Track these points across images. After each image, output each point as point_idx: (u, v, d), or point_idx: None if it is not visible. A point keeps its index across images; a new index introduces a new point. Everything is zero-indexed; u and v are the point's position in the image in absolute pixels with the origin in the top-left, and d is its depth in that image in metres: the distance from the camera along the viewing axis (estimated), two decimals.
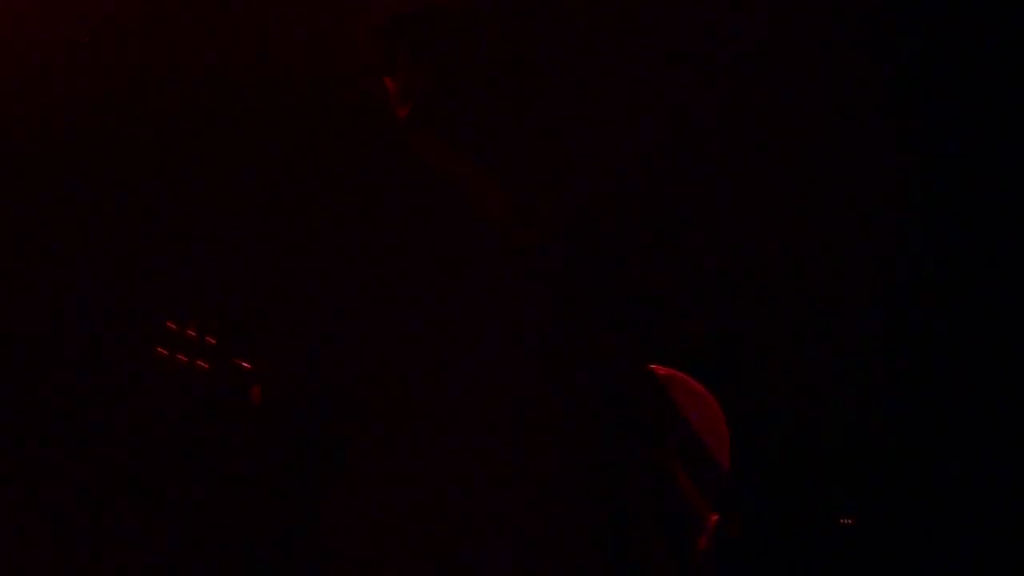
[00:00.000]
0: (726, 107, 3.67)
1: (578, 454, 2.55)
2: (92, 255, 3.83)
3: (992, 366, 3.49)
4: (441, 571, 2.58)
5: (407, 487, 2.58)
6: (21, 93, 3.86)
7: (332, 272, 2.78)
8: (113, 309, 3.71)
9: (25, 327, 3.84)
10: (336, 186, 2.88)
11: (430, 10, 2.88)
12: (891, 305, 3.54)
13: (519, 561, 2.52)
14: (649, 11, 3.69)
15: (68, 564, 3.77)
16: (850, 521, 3.31)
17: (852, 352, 3.51)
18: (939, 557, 3.42)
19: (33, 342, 3.84)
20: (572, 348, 2.59)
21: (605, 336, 2.62)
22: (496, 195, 2.65)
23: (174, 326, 2.85)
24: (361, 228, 2.75)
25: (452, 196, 2.68)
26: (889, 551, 3.38)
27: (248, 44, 3.87)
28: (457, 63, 2.82)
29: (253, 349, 2.92)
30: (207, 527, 3.82)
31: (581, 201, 2.78)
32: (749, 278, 3.54)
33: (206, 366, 2.83)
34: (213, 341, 2.84)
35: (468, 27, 2.88)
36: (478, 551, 2.55)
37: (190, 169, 3.87)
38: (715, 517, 2.54)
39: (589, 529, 2.52)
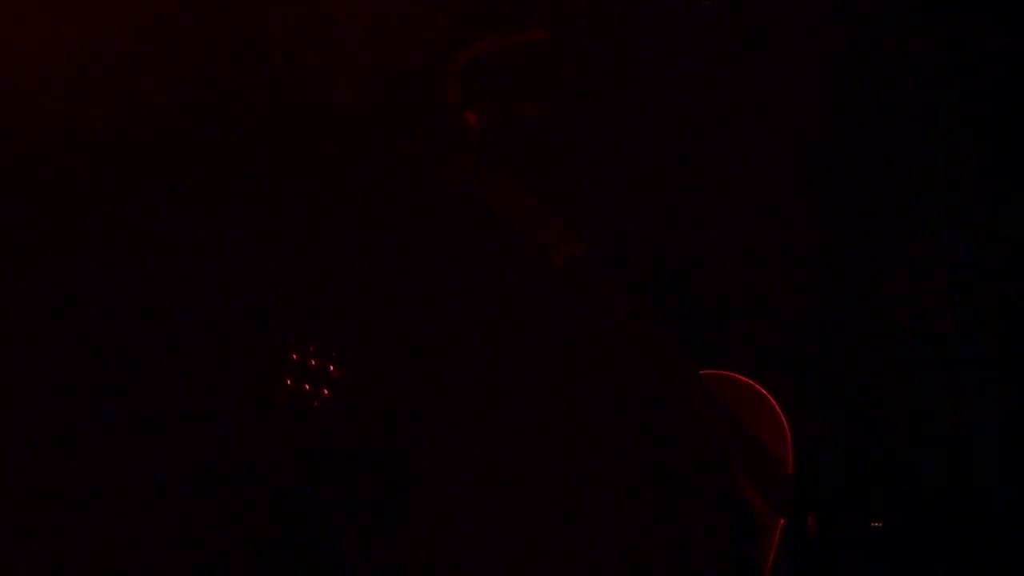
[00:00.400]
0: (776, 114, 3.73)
1: (635, 465, 2.60)
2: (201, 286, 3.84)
3: None
4: None
5: (475, 502, 2.62)
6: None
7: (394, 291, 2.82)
8: (237, 338, 3.72)
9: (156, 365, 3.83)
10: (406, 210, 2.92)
11: (509, 50, 2.91)
12: (947, 305, 3.59)
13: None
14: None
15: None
16: (879, 524, 3.36)
17: (911, 353, 3.56)
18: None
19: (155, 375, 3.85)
20: (621, 361, 2.64)
21: (656, 345, 2.66)
22: (549, 223, 2.70)
23: (297, 357, 2.88)
24: (427, 249, 2.79)
25: (517, 223, 2.71)
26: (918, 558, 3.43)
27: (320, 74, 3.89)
28: (533, 101, 2.87)
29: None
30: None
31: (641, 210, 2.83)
32: (807, 278, 3.60)
33: (328, 393, 2.86)
34: (335, 370, 2.88)
35: (545, 67, 2.93)
36: (530, 563, 2.60)
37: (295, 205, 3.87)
38: (782, 522, 2.61)
39: (653, 539, 2.58)
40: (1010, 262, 3.61)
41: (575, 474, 2.60)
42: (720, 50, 3.89)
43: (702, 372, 2.73)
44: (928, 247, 3.63)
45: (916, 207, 3.67)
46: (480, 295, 2.74)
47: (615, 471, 2.59)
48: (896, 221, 3.65)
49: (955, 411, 3.54)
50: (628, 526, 2.58)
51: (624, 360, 2.65)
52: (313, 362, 2.87)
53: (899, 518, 3.43)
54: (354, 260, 3.70)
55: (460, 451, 2.69)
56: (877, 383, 3.59)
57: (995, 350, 3.56)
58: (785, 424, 2.69)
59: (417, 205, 2.90)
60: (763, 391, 2.74)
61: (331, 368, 2.88)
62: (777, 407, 2.71)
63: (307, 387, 2.87)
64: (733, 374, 2.77)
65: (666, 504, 2.60)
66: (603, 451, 2.60)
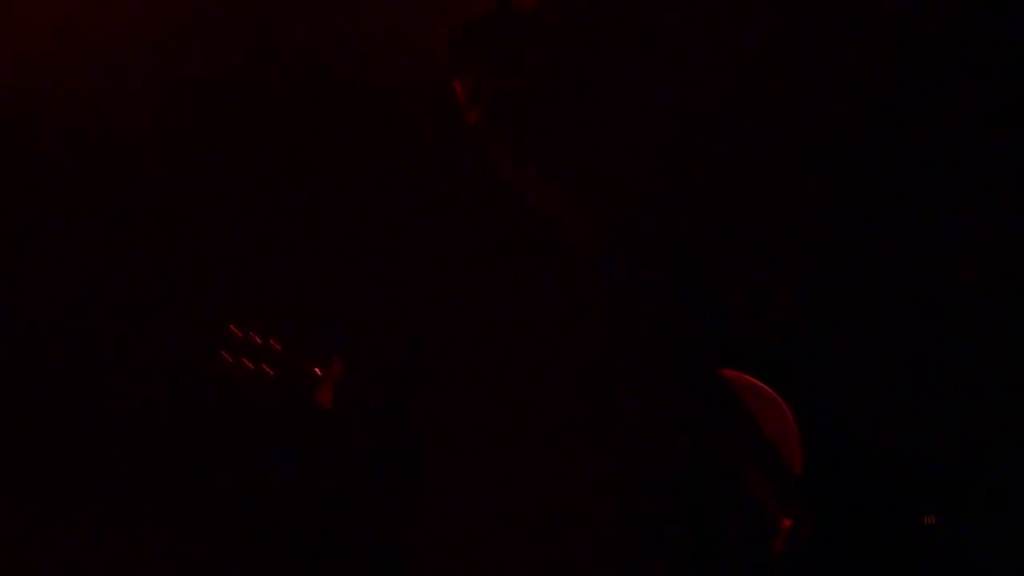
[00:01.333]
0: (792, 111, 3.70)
1: (651, 460, 2.56)
2: (153, 258, 3.81)
3: None
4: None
5: (483, 499, 2.56)
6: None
7: (397, 274, 2.75)
8: (178, 312, 3.69)
9: (86, 328, 3.82)
10: (401, 188, 2.85)
11: (502, 16, 2.88)
12: (963, 307, 3.55)
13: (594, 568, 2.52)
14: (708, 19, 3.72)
15: None
16: (933, 520, 3.31)
17: (919, 354, 3.52)
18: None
19: (97, 343, 3.82)
20: (644, 352, 2.61)
21: (679, 340, 2.63)
22: (566, 198, 2.65)
23: (238, 331, 2.85)
24: (426, 230, 2.72)
25: (520, 199, 2.66)
26: (976, 549, 3.39)
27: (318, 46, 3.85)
28: (528, 68, 2.83)
29: (322, 353, 2.90)
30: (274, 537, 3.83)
31: (648, 203, 2.78)
32: (818, 279, 3.57)
33: (271, 372, 2.83)
34: (278, 346, 2.85)
35: (540, 34, 2.89)
36: (549, 556, 2.54)
37: (259, 172, 3.85)
38: (788, 522, 2.60)
39: (663, 535, 2.54)
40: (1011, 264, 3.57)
41: (585, 470, 2.54)
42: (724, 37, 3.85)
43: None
44: (933, 248, 3.59)
45: (915, 206, 3.63)
46: (482, 280, 2.67)
47: (625, 467, 2.54)
48: (895, 221, 3.62)
49: (961, 415, 3.51)
50: (632, 522, 2.53)
51: (644, 351, 2.60)
52: (258, 339, 2.82)
53: (902, 523, 3.41)
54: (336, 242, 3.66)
55: (456, 449, 2.63)
56: (885, 388, 3.57)
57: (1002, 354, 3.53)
58: (794, 425, 2.68)
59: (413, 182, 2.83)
60: (771, 392, 2.72)
61: (273, 344, 2.81)
62: (786, 408, 2.70)
63: (248, 363, 2.81)
64: (742, 374, 2.75)
65: (675, 500, 2.56)
66: (615, 448, 2.55)
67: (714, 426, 2.61)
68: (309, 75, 3.85)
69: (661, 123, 3.52)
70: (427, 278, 2.68)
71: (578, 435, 2.53)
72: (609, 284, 2.63)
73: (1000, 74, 3.68)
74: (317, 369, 2.83)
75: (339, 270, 3.69)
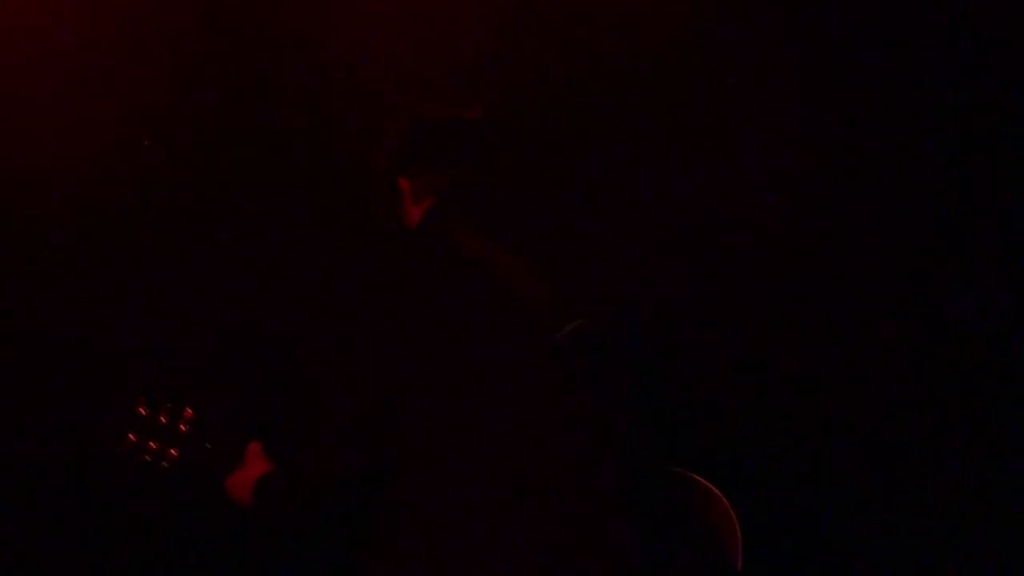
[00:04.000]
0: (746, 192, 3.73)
1: (602, 551, 2.59)
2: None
3: None
4: None
5: None
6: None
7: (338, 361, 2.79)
8: (85, 391, 3.71)
9: None
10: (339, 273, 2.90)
11: (452, 118, 2.97)
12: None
13: None
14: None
15: None
16: None
17: (868, 447, 3.52)
18: None
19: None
20: (606, 443, 2.66)
21: (640, 433, 2.70)
22: (526, 283, 2.71)
23: (145, 412, 2.89)
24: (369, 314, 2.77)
25: (478, 287, 2.71)
26: None
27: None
28: (479, 168, 2.92)
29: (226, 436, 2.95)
30: None
31: (612, 291, 2.84)
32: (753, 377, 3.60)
33: (176, 453, 2.87)
34: (185, 429, 2.89)
35: (491, 137, 2.98)
36: None
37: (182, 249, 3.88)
38: None
39: None
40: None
41: (528, 560, 2.58)
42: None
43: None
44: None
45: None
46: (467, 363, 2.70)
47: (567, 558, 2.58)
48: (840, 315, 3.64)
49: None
50: None
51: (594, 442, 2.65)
52: (163, 419, 2.87)
53: None
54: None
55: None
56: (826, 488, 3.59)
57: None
58: (735, 521, 2.74)
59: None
60: (715, 490, 2.78)
61: (181, 427, 2.87)
62: (727, 503, 2.75)
63: (153, 445, 2.87)
64: (689, 472, 2.82)
65: None
66: (557, 536, 2.59)
67: (658, 521, 2.66)
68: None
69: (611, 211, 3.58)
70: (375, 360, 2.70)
71: (520, 523, 2.56)
72: (568, 365, 2.69)
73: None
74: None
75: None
